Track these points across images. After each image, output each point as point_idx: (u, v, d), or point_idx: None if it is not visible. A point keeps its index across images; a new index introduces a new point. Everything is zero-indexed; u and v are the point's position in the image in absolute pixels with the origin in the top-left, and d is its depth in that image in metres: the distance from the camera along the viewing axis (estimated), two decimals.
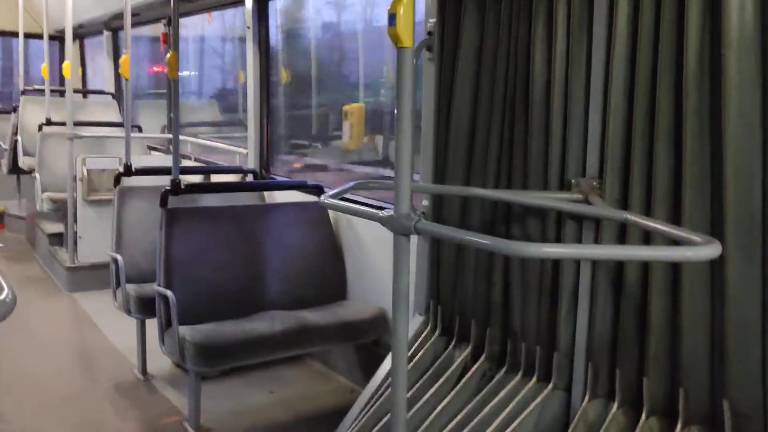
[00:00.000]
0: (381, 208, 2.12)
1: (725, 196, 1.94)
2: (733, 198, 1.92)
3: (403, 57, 1.85)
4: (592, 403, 2.33)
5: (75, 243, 5.71)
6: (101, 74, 8.58)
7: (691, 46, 2.00)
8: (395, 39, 1.83)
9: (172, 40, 3.99)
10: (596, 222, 2.32)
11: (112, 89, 8.12)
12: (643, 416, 2.18)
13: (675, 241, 1.83)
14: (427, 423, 2.66)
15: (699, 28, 1.98)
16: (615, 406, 2.27)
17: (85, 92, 8.68)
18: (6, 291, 1.20)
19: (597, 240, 2.32)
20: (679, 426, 2.10)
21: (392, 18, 1.81)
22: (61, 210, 6.08)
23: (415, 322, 3.07)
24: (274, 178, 5.15)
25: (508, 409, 2.49)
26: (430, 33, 2.99)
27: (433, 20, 2.96)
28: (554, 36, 2.41)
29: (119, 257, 4.10)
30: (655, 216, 2.12)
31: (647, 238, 2.17)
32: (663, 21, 2.08)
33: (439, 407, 2.68)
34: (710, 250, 1.67)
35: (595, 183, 2.31)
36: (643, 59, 2.14)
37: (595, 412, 2.32)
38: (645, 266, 2.18)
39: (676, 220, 2.08)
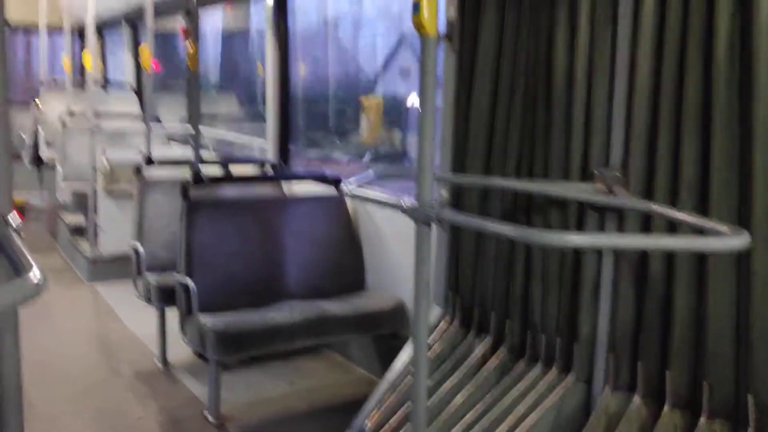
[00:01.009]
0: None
1: (753, 187, 1.91)
2: (762, 188, 1.90)
3: (426, 46, 1.84)
4: (614, 395, 2.32)
5: (96, 234, 5.78)
6: (121, 67, 8.64)
7: (720, 34, 1.96)
8: (419, 27, 1.82)
9: (192, 32, 4.01)
10: (619, 213, 2.30)
11: (132, 81, 8.19)
12: (666, 409, 2.17)
13: (701, 232, 1.81)
14: (445, 413, 2.66)
15: (729, 14, 1.95)
16: (637, 398, 2.25)
17: (105, 85, 8.75)
18: (36, 271, 1.22)
19: (620, 231, 2.30)
20: (702, 419, 2.08)
21: (416, 6, 1.80)
22: (82, 201, 6.14)
23: (433, 313, 3.07)
24: (293, 170, 5.16)
25: (527, 400, 2.48)
26: (450, 23, 2.98)
27: (453, 10, 2.95)
28: (577, 23, 2.39)
29: (140, 247, 4.14)
30: (680, 208, 2.09)
31: (672, 230, 2.15)
32: (692, 6, 2.05)
33: (458, 398, 2.67)
34: (738, 241, 1.65)
35: (618, 173, 2.29)
36: (670, 46, 2.11)
37: (616, 404, 2.30)
38: (669, 257, 2.16)
39: (702, 211, 2.06)
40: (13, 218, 1.62)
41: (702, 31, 2.03)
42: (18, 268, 1.31)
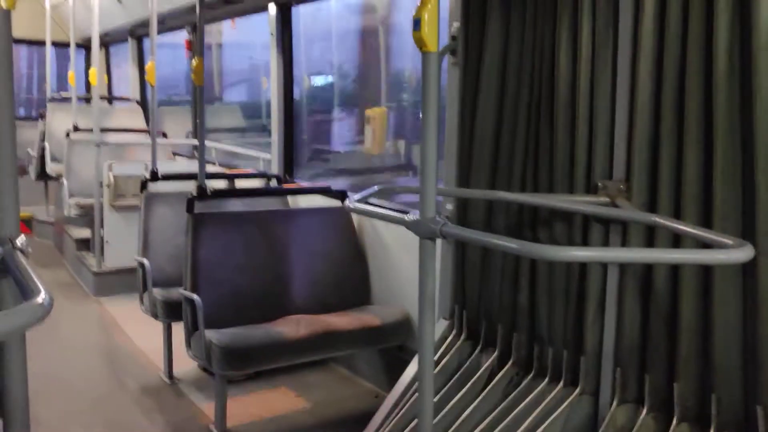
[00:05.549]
0: (404, 212, 2.12)
1: (757, 198, 1.91)
2: (765, 199, 1.89)
3: (428, 61, 1.85)
4: (621, 409, 2.30)
5: (102, 248, 5.79)
6: (126, 81, 8.70)
7: (720, 45, 1.97)
8: (420, 43, 1.83)
9: (197, 46, 4.04)
10: (623, 225, 2.30)
11: (136, 96, 8.23)
12: (674, 422, 2.15)
13: (706, 244, 1.80)
14: (453, 428, 2.65)
15: (728, 26, 1.95)
16: (644, 411, 2.24)
17: (110, 99, 8.80)
18: (43, 294, 1.23)
19: (624, 244, 2.30)
20: None
21: (417, 23, 1.81)
22: (88, 215, 6.17)
23: (440, 326, 3.06)
24: (297, 184, 5.18)
25: (534, 414, 2.47)
26: (454, 37, 2.99)
27: (457, 24, 2.96)
28: (579, 37, 2.40)
29: (146, 262, 4.15)
30: (684, 219, 2.09)
31: (676, 241, 2.15)
32: (691, 19, 2.05)
33: (466, 412, 2.66)
34: (742, 253, 1.65)
35: (622, 186, 2.29)
36: (670, 59, 2.11)
37: (624, 417, 2.29)
38: (674, 270, 2.15)
39: (706, 223, 2.05)
40: (21, 240, 1.63)
41: (702, 43, 2.04)
42: (26, 291, 1.32)
